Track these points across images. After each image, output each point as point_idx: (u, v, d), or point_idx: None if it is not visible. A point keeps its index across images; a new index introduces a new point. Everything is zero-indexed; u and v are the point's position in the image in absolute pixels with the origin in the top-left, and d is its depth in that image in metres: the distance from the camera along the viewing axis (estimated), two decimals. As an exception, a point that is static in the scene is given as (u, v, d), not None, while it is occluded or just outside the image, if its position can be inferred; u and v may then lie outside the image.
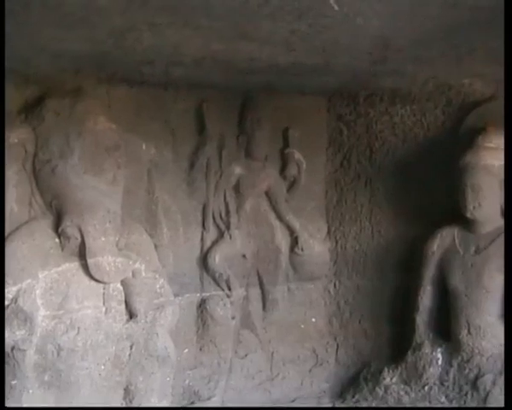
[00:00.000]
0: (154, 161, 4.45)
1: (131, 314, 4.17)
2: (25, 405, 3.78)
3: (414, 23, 3.09)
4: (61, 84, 3.97)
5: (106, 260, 3.96)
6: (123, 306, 4.15)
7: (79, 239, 3.89)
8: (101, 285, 4.03)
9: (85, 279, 3.98)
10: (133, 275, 4.14)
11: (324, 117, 5.24)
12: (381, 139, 4.99)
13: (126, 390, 4.09)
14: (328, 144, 5.27)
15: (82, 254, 3.92)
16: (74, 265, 3.97)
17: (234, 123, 4.91)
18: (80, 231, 3.87)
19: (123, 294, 4.14)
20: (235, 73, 4.08)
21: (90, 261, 3.91)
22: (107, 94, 4.25)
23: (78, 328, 3.93)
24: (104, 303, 4.05)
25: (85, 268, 3.95)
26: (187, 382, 4.68)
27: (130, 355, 4.10)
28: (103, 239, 3.93)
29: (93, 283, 3.99)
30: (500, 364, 4.16)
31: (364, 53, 3.67)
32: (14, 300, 3.76)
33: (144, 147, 4.37)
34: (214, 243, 4.88)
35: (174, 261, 4.61)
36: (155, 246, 4.42)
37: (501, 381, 4.08)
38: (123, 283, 4.13)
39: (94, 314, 4.00)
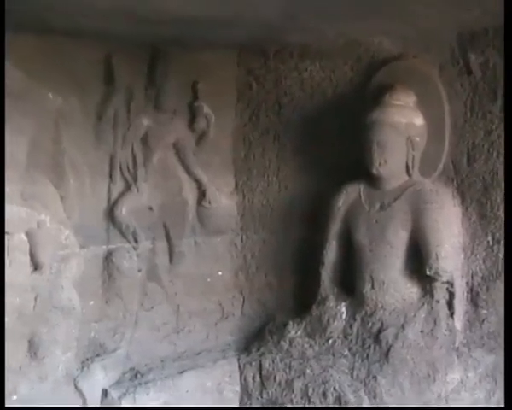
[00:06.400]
0: (62, 111, 4.35)
1: (36, 266, 4.11)
2: None
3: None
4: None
5: (10, 209, 3.88)
6: (27, 257, 4.08)
7: (-17, 188, 3.80)
8: (5, 236, 3.95)
9: (-12, 229, 3.90)
10: (38, 226, 4.08)
11: (234, 71, 5.20)
12: (290, 95, 4.99)
13: (30, 342, 4.07)
14: (238, 99, 5.26)
15: (-15, 203, 3.83)
16: (-23, 214, 3.88)
17: (143, 75, 4.85)
18: (-16, 179, 3.79)
19: (27, 245, 4.08)
20: (144, 25, 4.03)
21: (-7, 211, 3.82)
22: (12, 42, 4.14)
23: (-19, 279, 3.86)
24: (8, 254, 3.97)
25: (-11, 218, 3.86)
26: (92, 334, 4.65)
27: (34, 307, 4.06)
28: (7, 188, 3.84)
29: (-4, 233, 3.92)
30: (402, 318, 4.24)
31: (273, 7, 3.66)
32: None
33: (51, 96, 4.28)
34: (121, 195, 4.84)
35: (80, 213, 4.55)
36: (61, 197, 4.37)
37: (402, 335, 4.16)
38: (27, 233, 4.07)
39: (-3, 265, 3.93)
